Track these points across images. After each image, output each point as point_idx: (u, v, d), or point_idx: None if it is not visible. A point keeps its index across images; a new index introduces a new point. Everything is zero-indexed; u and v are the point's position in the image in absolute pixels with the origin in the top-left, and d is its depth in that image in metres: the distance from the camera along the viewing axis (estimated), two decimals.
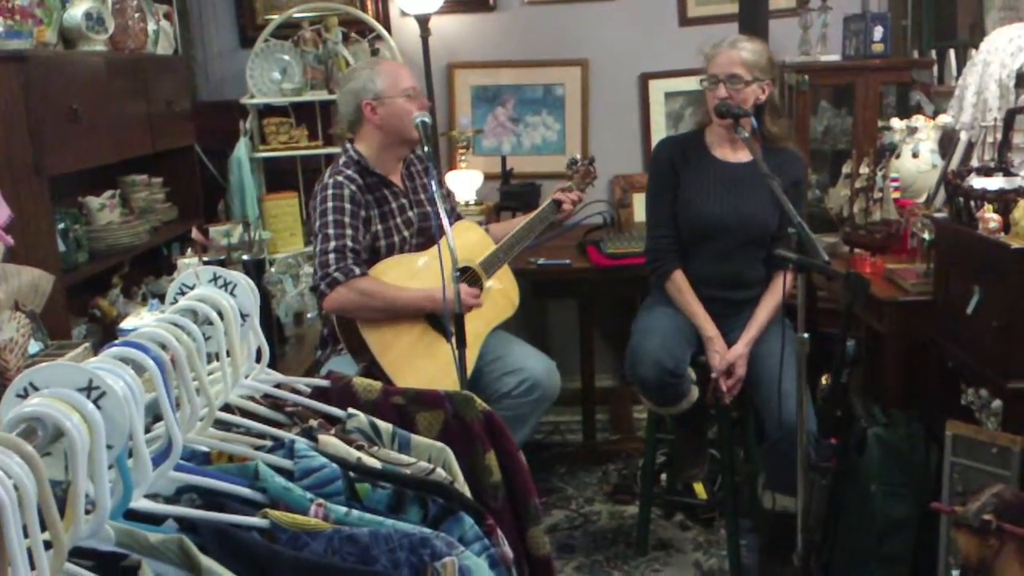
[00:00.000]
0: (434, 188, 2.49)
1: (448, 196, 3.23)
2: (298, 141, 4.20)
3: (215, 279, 1.30)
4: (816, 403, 2.86)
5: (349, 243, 2.74)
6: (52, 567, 0.83)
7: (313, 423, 1.29)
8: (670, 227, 3.02)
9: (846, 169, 3.39)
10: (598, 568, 3.21)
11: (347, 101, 2.94)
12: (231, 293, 1.30)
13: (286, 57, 4.18)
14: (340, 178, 2.82)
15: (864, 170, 3.24)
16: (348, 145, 2.94)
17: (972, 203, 2.49)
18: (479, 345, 2.90)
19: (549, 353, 3.10)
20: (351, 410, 1.36)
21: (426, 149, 2.65)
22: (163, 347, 1.09)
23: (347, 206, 2.78)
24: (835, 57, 3.92)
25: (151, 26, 3.61)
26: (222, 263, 2.87)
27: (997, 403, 2.48)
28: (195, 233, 3.26)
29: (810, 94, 3.83)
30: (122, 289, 3.35)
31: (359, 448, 1.26)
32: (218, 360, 1.26)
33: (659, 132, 4.32)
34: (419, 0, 4.02)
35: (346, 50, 4.14)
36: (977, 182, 2.53)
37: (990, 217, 2.38)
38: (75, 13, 3.03)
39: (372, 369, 2.69)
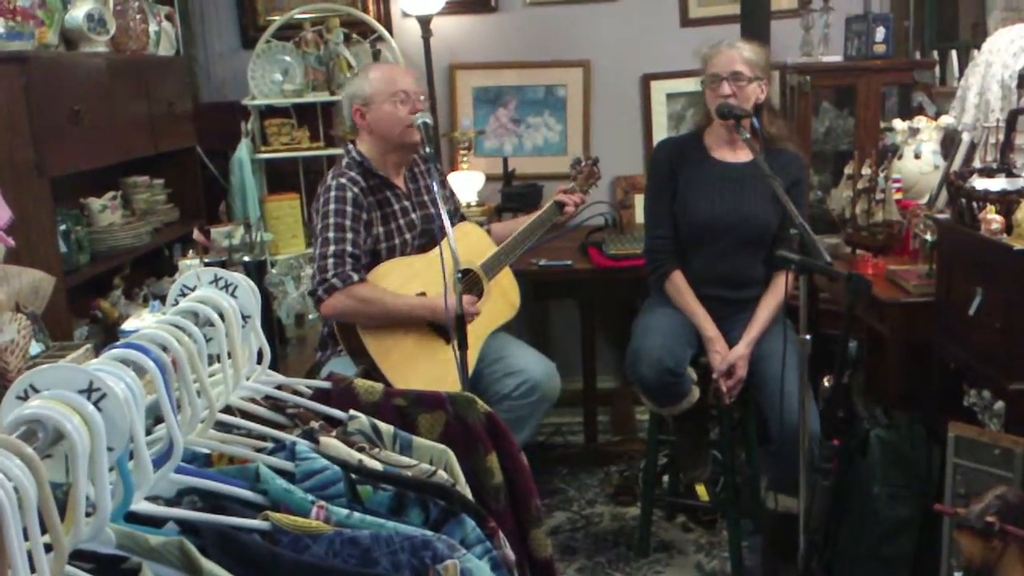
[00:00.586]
0: (436, 190, 2.49)
1: (451, 197, 3.22)
2: (299, 142, 4.20)
3: (216, 280, 1.30)
4: (819, 404, 2.85)
5: (349, 248, 2.73)
6: (52, 570, 0.83)
7: (314, 425, 1.29)
8: (669, 228, 3.02)
9: (848, 170, 3.38)
10: (600, 570, 3.20)
11: (344, 106, 2.96)
12: (232, 295, 1.29)
13: (287, 58, 4.18)
14: (343, 180, 2.81)
15: (866, 171, 3.23)
16: (351, 146, 2.94)
17: (974, 204, 2.49)
18: (479, 347, 2.90)
19: (550, 354, 3.10)
20: (352, 412, 1.36)
21: (428, 150, 2.65)
22: (164, 349, 1.09)
23: (349, 209, 2.77)
24: (837, 58, 3.92)
25: (152, 27, 3.61)
26: (223, 264, 2.87)
27: (999, 404, 2.48)
28: (196, 234, 3.26)
29: (812, 95, 3.82)
30: (123, 290, 3.36)
31: (360, 450, 1.25)
32: (219, 362, 1.26)
33: (661, 133, 4.32)
34: (421, 1, 4.02)
35: (347, 51, 4.14)
36: (979, 183, 2.52)
37: (992, 218, 2.37)
38: (76, 14, 3.03)
39: (372, 373, 2.69)
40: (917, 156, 3.28)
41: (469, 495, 1.32)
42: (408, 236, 2.91)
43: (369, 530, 1.06)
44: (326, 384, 1.45)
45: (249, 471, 1.14)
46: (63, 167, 2.82)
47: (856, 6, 4.15)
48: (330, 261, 2.71)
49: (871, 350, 3.19)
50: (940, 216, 2.81)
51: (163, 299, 2.72)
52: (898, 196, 3.20)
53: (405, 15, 4.27)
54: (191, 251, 3.32)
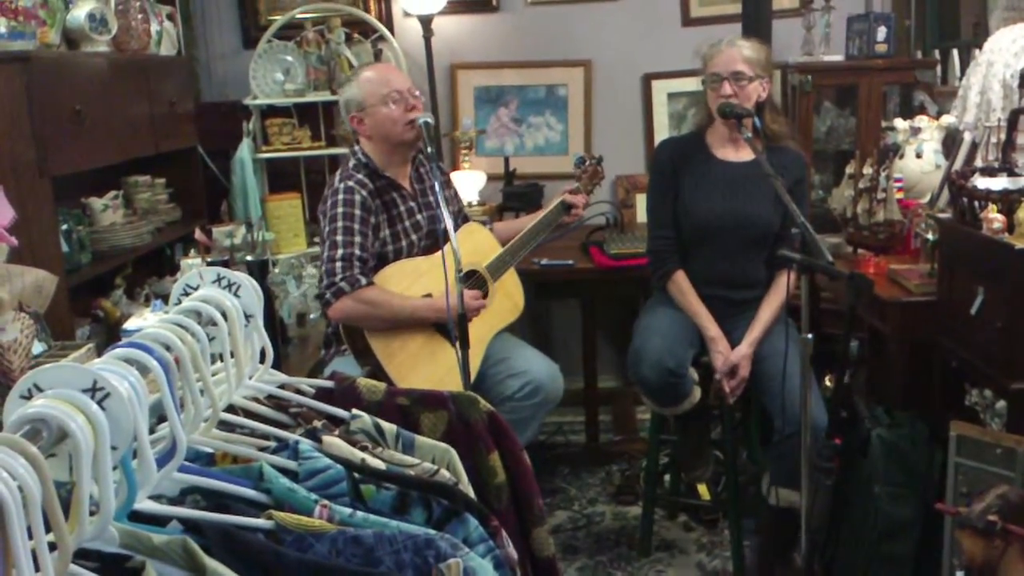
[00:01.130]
0: (438, 191, 2.49)
1: (455, 199, 3.23)
2: (301, 142, 4.20)
3: (219, 280, 1.30)
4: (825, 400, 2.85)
5: (357, 251, 2.73)
6: (56, 569, 0.83)
7: (317, 424, 1.29)
8: (671, 228, 3.02)
9: (849, 169, 3.38)
10: (601, 569, 3.20)
11: (342, 113, 2.97)
12: (235, 294, 1.30)
13: (289, 58, 4.18)
14: (351, 183, 2.81)
15: (868, 170, 3.23)
16: (357, 147, 2.94)
17: (976, 203, 2.49)
18: (483, 348, 2.90)
19: (552, 354, 3.10)
20: (355, 411, 1.36)
21: (429, 149, 2.65)
22: (167, 348, 1.09)
23: (357, 212, 2.77)
24: (838, 57, 3.92)
25: (154, 27, 3.61)
26: (225, 264, 2.87)
27: (1001, 404, 2.48)
28: (198, 234, 3.26)
29: (813, 94, 3.83)
30: (125, 290, 3.36)
31: (363, 449, 1.26)
32: (222, 361, 1.26)
33: (662, 133, 4.32)
34: (422, 1, 4.02)
35: (349, 51, 4.14)
36: (981, 182, 2.52)
37: (994, 217, 2.38)
38: (78, 14, 3.03)
39: (376, 374, 2.69)
40: (919, 155, 3.28)
41: (472, 494, 1.32)
42: (414, 237, 2.91)
43: (372, 529, 1.06)
44: (329, 383, 1.45)
45: (252, 470, 1.14)
46: (65, 167, 2.82)
47: (857, 5, 4.16)
48: (338, 264, 2.70)
49: (873, 349, 3.19)
50: (942, 215, 2.81)
51: (165, 298, 2.72)
52: (899, 195, 3.20)
53: (406, 15, 4.27)
54: (192, 251, 3.32)
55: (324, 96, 4.12)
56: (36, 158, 2.65)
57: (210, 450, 1.23)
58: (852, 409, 2.83)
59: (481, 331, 2.84)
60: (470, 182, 4.16)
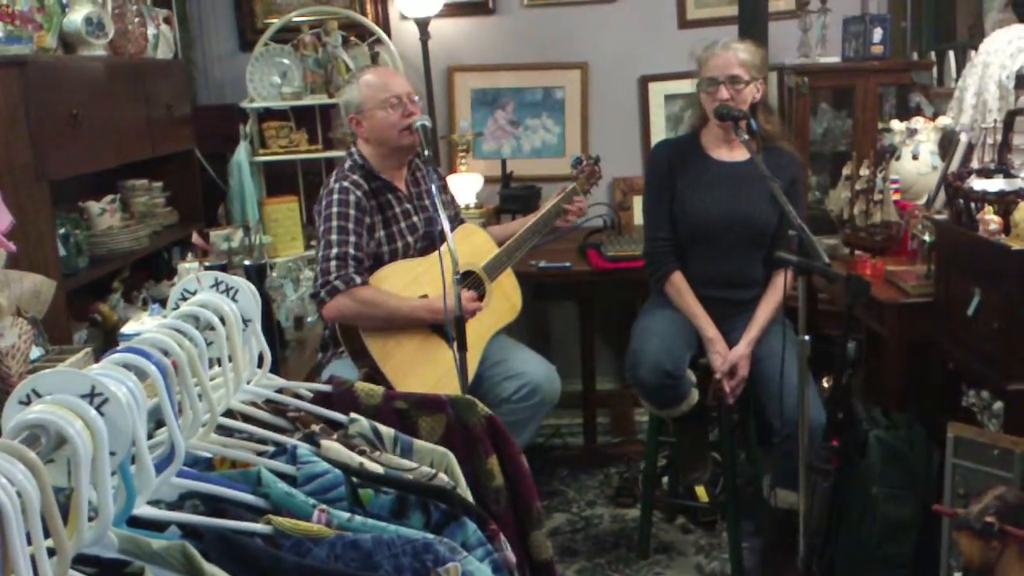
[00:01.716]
0: (435, 193, 2.49)
1: (452, 202, 3.23)
2: (298, 145, 4.20)
3: (217, 284, 1.30)
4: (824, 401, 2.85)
5: (352, 250, 2.73)
6: (56, 574, 0.83)
7: (315, 428, 1.29)
8: (668, 229, 3.02)
9: (846, 171, 3.39)
10: (600, 571, 3.20)
11: (341, 114, 2.98)
12: (233, 298, 1.30)
13: (286, 61, 4.18)
14: (346, 183, 2.81)
15: (864, 172, 3.24)
16: (353, 148, 2.95)
17: (972, 205, 2.49)
18: (481, 350, 2.90)
19: (550, 356, 3.10)
20: (353, 415, 1.36)
21: (426, 153, 2.65)
22: (165, 353, 1.09)
23: (352, 212, 2.77)
24: (835, 59, 3.93)
25: (151, 30, 3.61)
26: (223, 268, 2.87)
27: (998, 405, 2.48)
28: (195, 238, 3.26)
29: (810, 96, 3.83)
30: (123, 294, 3.36)
31: (361, 453, 1.26)
32: (220, 365, 1.26)
33: (659, 134, 4.32)
34: (419, 3, 4.02)
35: (346, 54, 4.14)
36: (977, 184, 2.53)
37: (990, 219, 2.38)
38: (75, 18, 3.02)
39: (374, 375, 2.69)
40: (915, 157, 3.28)
41: (470, 498, 1.33)
42: (410, 239, 2.91)
43: (371, 533, 1.06)
44: (327, 387, 1.45)
45: (251, 475, 1.14)
46: (62, 171, 2.81)
47: (853, 7, 4.16)
48: (333, 263, 2.71)
49: (870, 351, 3.19)
50: (938, 217, 2.82)
51: (162, 302, 2.72)
52: (896, 197, 3.21)
53: (403, 17, 4.28)
54: (190, 254, 3.32)
55: (321, 99, 4.13)
56: (33, 162, 2.65)
57: (208, 455, 1.23)
58: (850, 410, 2.83)
59: (479, 332, 2.84)
60: (467, 184, 4.16)
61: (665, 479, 3.56)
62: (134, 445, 0.95)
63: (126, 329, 2.59)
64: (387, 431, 1.35)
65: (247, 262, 2.97)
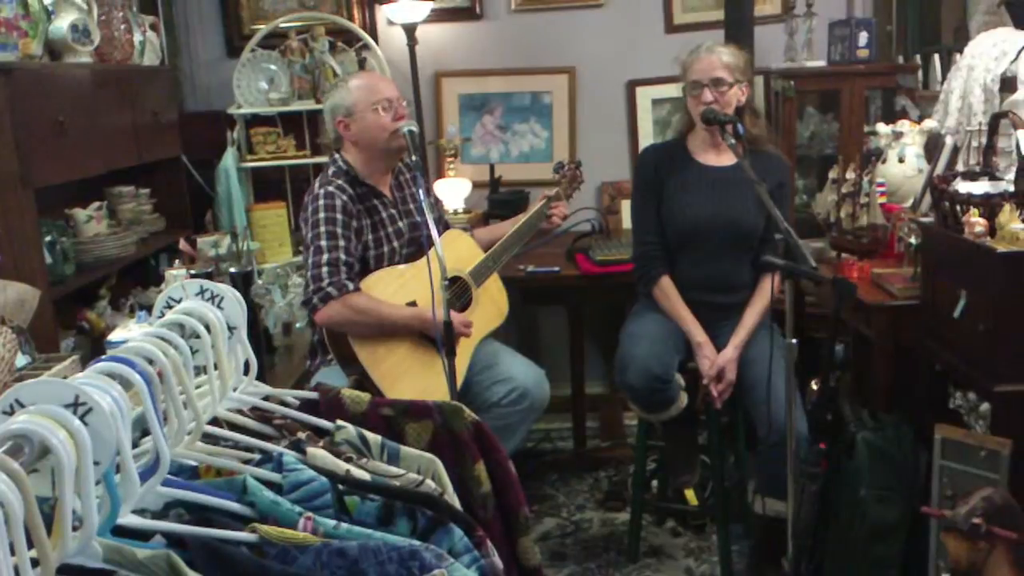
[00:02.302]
0: (422, 198, 2.49)
1: (436, 205, 3.23)
2: (285, 151, 4.19)
3: (202, 292, 1.30)
4: (807, 407, 2.86)
5: (342, 255, 2.73)
6: None
7: (302, 436, 1.29)
8: (656, 233, 3.03)
9: (832, 174, 3.40)
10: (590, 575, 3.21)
11: (326, 119, 2.96)
12: (218, 306, 1.30)
13: (273, 67, 4.17)
14: (331, 188, 2.81)
15: (850, 175, 3.25)
16: (336, 155, 2.93)
17: (958, 207, 2.50)
18: (469, 355, 2.90)
19: (539, 360, 3.10)
20: (340, 422, 1.36)
21: (414, 158, 2.65)
22: (150, 361, 1.09)
23: (339, 217, 2.77)
24: (821, 63, 3.95)
25: (137, 37, 3.60)
26: (210, 275, 2.86)
27: (985, 406, 2.49)
28: (183, 244, 3.25)
29: (796, 100, 3.84)
30: (110, 301, 3.34)
31: (348, 460, 1.26)
32: (206, 373, 1.26)
33: (646, 139, 4.33)
34: (406, 9, 4.02)
35: (333, 60, 4.14)
36: (963, 186, 2.54)
37: (976, 221, 2.39)
38: (61, 25, 3.01)
39: (363, 381, 2.68)
40: (901, 160, 3.29)
41: (457, 504, 1.32)
42: (396, 244, 2.91)
43: (357, 541, 1.06)
44: (313, 395, 1.45)
45: (236, 483, 1.14)
46: (48, 178, 2.80)
47: (839, 11, 4.18)
48: (324, 269, 2.70)
49: (857, 353, 3.21)
50: (924, 220, 2.82)
51: (150, 309, 2.70)
52: (882, 200, 3.22)
53: (390, 23, 4.28)
54: (177, 261, 3.31)
55: (309, 105, 4.12)
56: (19, 170, 2.64)
57: (194, 463, 1.22)
58: (837, 413, 2.84)
59: (467, 338, 2.84)
60: (455, 190, 4.16)
61: (654, 483, 3.57)
62: (118, 454, 0.95)
63: (113, 336, 2.58)
64: (374, 438, 1.35)
65: (233, 269, 2.96)
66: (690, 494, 3.47)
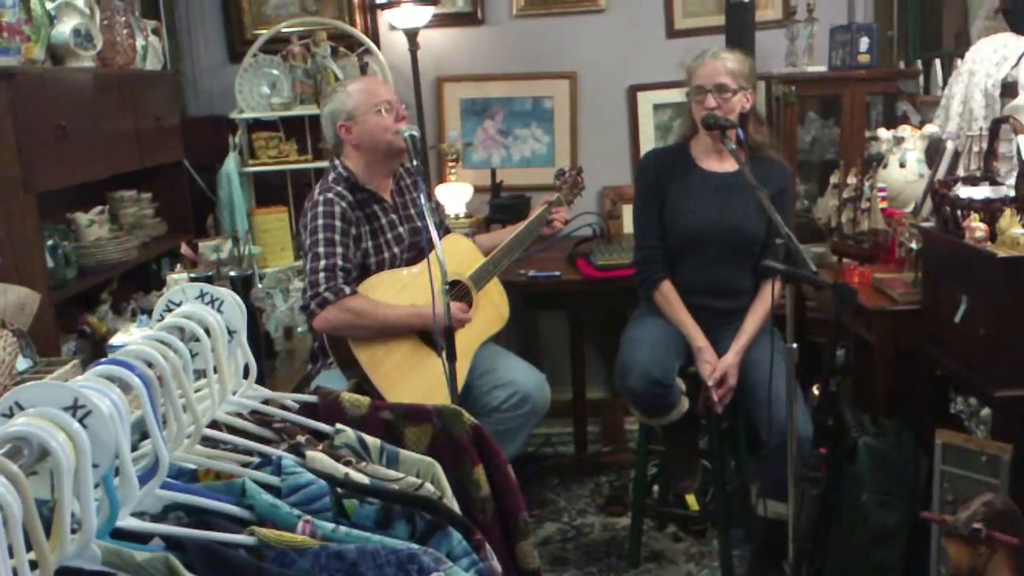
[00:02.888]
0: (423, 202, 2.49)
1: (436, 209, 3.23)
2: (287, 155, 4.20)
3: (202, 296, 1.30)
4: (810, 409, 2.86)
5: (339, 261, 2.73)
6: None
7: (301, 439, 1.29)
8: (658, 238, 3.03)
9: (834, 179, 3.40)
10: None
11: (326, 125, 2.95)
12: (218, 309, 1.30)
13: (275, 72, 4.18)
14: (330, 195, 2.81)
15: (851, 180, 3.25)
16: (337, 161, 2.93)
17: (959, 212, 2.51)
18: (469, 359, 2.90)
19: (540, 365, 3.10)
20: (339, 425, 1.36)
21: (415, 163, 2.65)
22: (150, 365, 1.09)
23: (338, 223, 2.77)
24: (822, 68, 3.95)
25: (139, 42, 3.61)
26: (210, 279, 2.86)
27: (986, 411, 2.49)
28: (184, 248, 3.26)
29: (797, 105, 3.85)
30: (111, 305, 3.35)
31: (347, 464, 1.25)
32: (205, 377, 1.26)
33: (648, 144, 4.33)
34: (408, 14, 4.03)
35: (335, 64, 4.15)
36: (963, 191, 2.54)
37: (976, 226, 2.39)
38: (63, 30, 3.02)
39: (363, 385, 2.68)
40: (902, 165, 3.30)
41: (456, 508, 1.32)
42: (396, 250, 2.90)
43: (355, 544, 1.06)
44: (313, 398, 1.45)
45: (235, 486, 1.14)
46: (50, 182, 2.81)
47: (840, 16, 4.19)
48: (321, 275, 2.70)
49: (858, 358, 3.20)
50: (925, 224, 2.83)
51: (151, 313, 2.71)
52: (883, 205, 3.22)
53: (392, 28, 4.28)
54: (179, 265, 3.32)
55: (310, 110, 4.13)
56: (21, 174, 2.64)
57: (193, 466, 1.22)
58: (839, 418, 2.84)
59: (467, 341, 2.84)
60: (457, 194, 4.17)
61: (655, 487, 3.57)
62: (117, 457, 0.95)
63: (115, 340, 2.58)
64: (373, 441, 1.35)
65: (233, 273, 2.96)
66: (691, 499, 3.47)
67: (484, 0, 4.36)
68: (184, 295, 1.30)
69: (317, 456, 1.24)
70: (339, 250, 2.74)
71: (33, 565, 0.84)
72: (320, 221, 2.76)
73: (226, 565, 0.98)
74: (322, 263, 2.71)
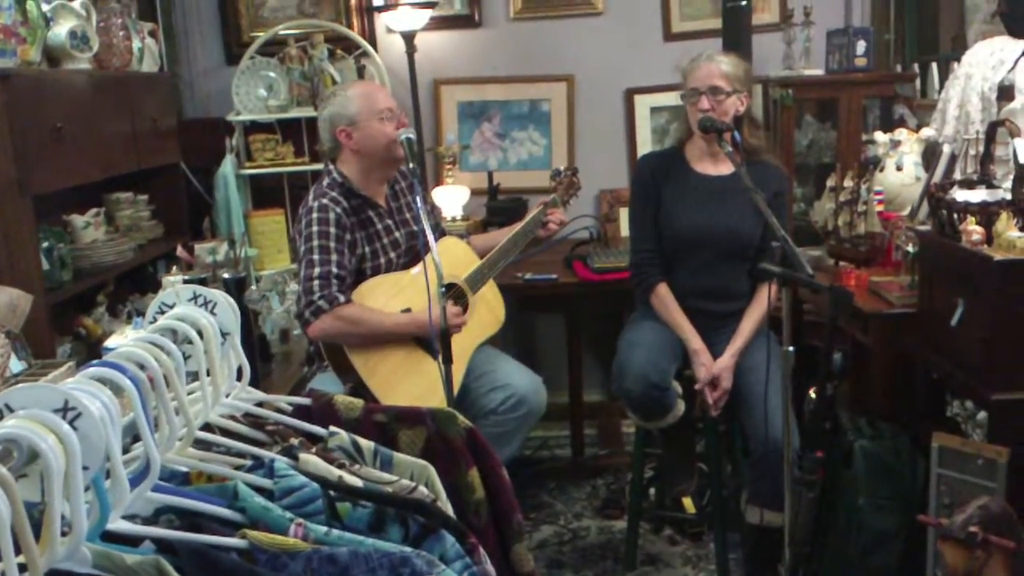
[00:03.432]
0: (419, 205, 2.48)
1: (432, 211, 3.22)
2: (284, 158, 4.20)
3: (195, 298, 1.30)
4: (800, 417, 2.85)
5: (334, 269, 2.72)
6: None
7: (294, 442, 1.29)
8: (653, 241, 3.03)
9: (830, 182, 3.40)
10: None
11: (324, 128, 2.92)
12: (211, 312, 1.29)
13: (272, 74, 4.18)
14: (325, 201, 2.79)
15: (848, 183, 3.25)
16: (331, 167, 2.91)
17: (955, 216, 2.51)
18: (466, 362, 2.90)
19: (537, 368, 3.10)
20: (333, 428, 1.36)
21: (411, 166, 2.64)
22: (142, 367, 1.09)
23: (332, 230, 2.75)
24: (819, 71, 3.95)
25: (136, 44, 3.60)
26: (204, 281, 2.85)
27: (982, 415, 2.49)
28: (180, 251, 3.25)
29: (794, 108, 3.85)
30: (107, 307, 3.34)
31: (340, 467, 1.25)
32: (198, 379, 1.25)
33: (645, 147, 4.33)
34: (405, 17, 4.03)
35: (332, 67, 4.15)
36: (960, 195, 2.54)
37: (973, 229, 2.39)
38: (59, 31, 3.02)
39: (359, 390, 2.68)
40: (899, 168, 3.30)
41: (450, 511, 1.32)
42: (393, 255, 2.90)
43: (347, 547, 1.06)
44: (306, 401, 1.45)
45: (227, 489, 1.13)
46: (46, 184, 2.80)
47: (837, 20, 4.19)
48: (316, 283, 2.69)
49: (855, 361, 3.20)
50: (922, 228, 2.83)
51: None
52: (880, 208, 3.22)
53: (389, 31, 4.28)
54: (175, 267, 3.31)
55: (307, 112, 4.13)
56: (17, 176, 2.63)
57: (185, 469, 1.22)
58: (835, 421, 2.84)
59: (463, 344, 2.83)
60: (454, 197, 4.17)
61: (652, 491, 3.56)
62: (108, 459, 0.94)
63: (110, 343, 2.57)
64: (367, 444, 1.35)
65: (226, 275, 2.95)
66: (687, 502, 3.47)
67: (481, 3, 4.36)
68: (177, 297, 1.30)
69: (310, 459, 1.23)
70: (334, 257, 2.73)
71: (22, 568, 0.83)
72: (315, 228, 2.75)
73: (217, 568, 0.98)
74: (316, 270, 2.70)
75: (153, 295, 3.38)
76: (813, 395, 3.18)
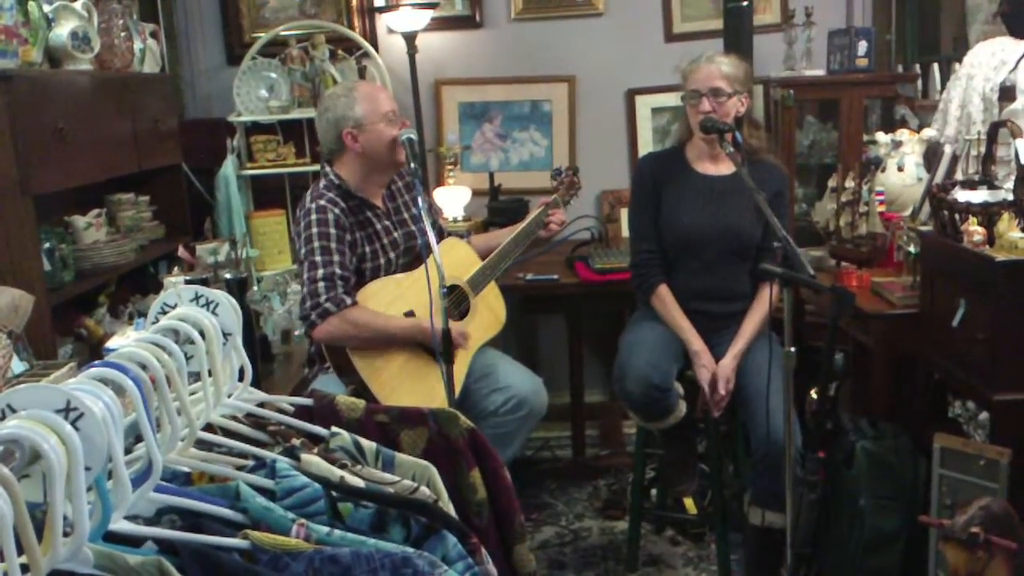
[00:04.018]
0: (421, 205, 2.48)
1: (430, 210, 3.21)
2: (285, 158, 4.20)
3: (197, 298, 1.30)
4: (802, 418, 2.85)
5: (338, 270, 2.71)
6: None
7: (296, 442, 1.29)
8: (654, 241, 3.03)
9: (832, 183, 3.40)
10: None
11: (327, 130, 2.89)
12: (213, 312, 1.29)
13: (273, 75, 4.18)
14: (323, 202, 2.78)
15: (850, 184, 3.25)
16: (328, 169, 2.90)
17: (957, 216, 2.51)
18: (467, 363, 2.90)
19: (538, 369, 3.10)
20: (334, 429, 1.36)
21: (413, 166, 2.64)
22: (144, 367, 1.09)
23: (332, 231, 2.75)
24: (820, 72, 3.95)
25: (137, 45, 3.60)
26: (205, 282, 2.85)
27: (984, 415, 2.49)
28: (182, 251, 3.25)
29: (796, 109, 3.85)
30: (109, 308, 3.34)
31: (342, 467, 1.25)
32: (200, 380, 1.25)
33: (646, 147, 4.33)
34: (406, 17, 4.03)
35: (333, 68, 4.15)
36: (962, 195, 2.54)
37: (975, 230, 2.39)
38: (61, 32, 3.02)
39: (361, 392, 2.67)
40: (900, 169, 3.30)
41: (452, 511, 1.32)
42: (392, 255, 2.89)
43: (349, 548, 1.06)
44: (308, 401, 1.45)
45: (229, 489, 1.14)
46: (47, 185, 2.80)
47: (838, 20, 4.19)
48: (321, 285, 2.68)
49: (857, 362, 3.20)
50: (923, 228, 2.83)
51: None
52: (881, 208, 3.22)
53: (391, 31, 4.28)
54: (176, 268, 3.31)
55: (309, 113, 4.12)
56: (18, 176, 2.63)
57: (187, 469, 1.22)
58: (837, 422, 2.84)
59: (465, 345, 2.83)
60: (455, 198, 4.17)
61: (654, 491, 3.56)
62: (110, 460, 0.94)
63: (111, 343, 2.58)
64: (369, 445, 1.35)
65: (228, 275, 2.95)
66: (689, 503, 3.46)
67: (483, 3, 4.36)
68: (179, 298, 1.30)
69: (312, 459, 1.23)
70: (336, 258, 2.72)
71: (24, 568, 0.83)
72: (315, 229, 2.74)
73: (219, 569, 0.98)
74: (320, 272, 2.69)
75: (154, 296, 3.38)
76: (815, 396, 3.20)
